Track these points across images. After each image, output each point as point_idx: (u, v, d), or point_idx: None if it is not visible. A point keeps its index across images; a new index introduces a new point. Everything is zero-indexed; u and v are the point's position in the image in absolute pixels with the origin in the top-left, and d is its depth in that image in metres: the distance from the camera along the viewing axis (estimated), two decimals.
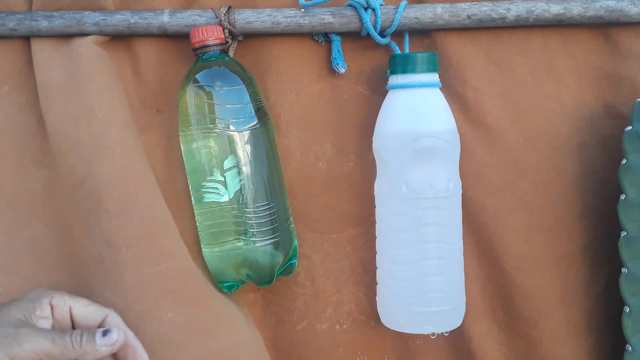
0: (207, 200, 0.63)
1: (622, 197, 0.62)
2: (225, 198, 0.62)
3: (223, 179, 0.62)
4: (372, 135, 0.65)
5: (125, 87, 0.66)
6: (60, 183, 0.64)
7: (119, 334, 0.55)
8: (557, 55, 0.68)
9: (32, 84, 0.65)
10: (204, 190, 0.63)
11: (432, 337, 0.64)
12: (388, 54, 0.67)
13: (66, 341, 0.53)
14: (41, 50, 0.65)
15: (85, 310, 0.58)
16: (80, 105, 0.63)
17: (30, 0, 0.65)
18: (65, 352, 0.53)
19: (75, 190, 0.63)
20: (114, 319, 0.58)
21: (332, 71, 0.67)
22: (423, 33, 0.68)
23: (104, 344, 0.55)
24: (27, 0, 0.65)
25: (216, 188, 0.62)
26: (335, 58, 0.66)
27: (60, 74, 0.64)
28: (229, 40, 0.65)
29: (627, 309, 0.62)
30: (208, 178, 0.62)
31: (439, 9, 0.65)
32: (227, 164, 0.62)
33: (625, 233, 0.62)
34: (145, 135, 0.66)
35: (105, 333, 0.55)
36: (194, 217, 0.66)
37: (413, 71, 0.62)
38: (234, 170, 0.62)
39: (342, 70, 0.67)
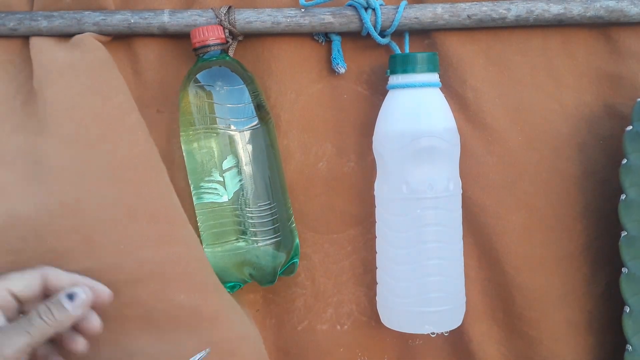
0: (206, 200, 0.63)
1: (623, 196, 0.62)
2: (225, 198, 0.62)
3: (222, 179, 0.62)
4: (372, 135, 0.65)
5: (138, 85, 0.67)
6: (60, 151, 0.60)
7: (84, 291, 0.52)
8: (557, 55, 0.68)
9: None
10: (203, 190, 0.63)
11: (433, 336, 0.64)
12: (388, 54, 0.67)
13: (39, 324, 0.50)
14: (40, 42, 0.64)
15: (22, 283, 0.53)
16: (90, 89, 0.61)
17: (32, 0, 0.65)
18: (45, 333, 0.51)
19: (90, 161, 0.60)
20: (55, 275, 0.54)
21: (332, 71, 0.67)
22: (423, 33, 0.68)
23: (76, 306, 0.52)
24: (28, 0, 0.65)
25: (215, 188, 0.62)
26: (335, 58, 0.67)
27: (62, 56, 0.63)
28: (229, 40, 0.65)
29: (627, 309, 0.62)
30: (207, 178, 0.62)
31: (439, 8, 0.65)
32: (226, 164, 0.62)
33: (626, 233, 0.62)
34: (158, 134, 0.66)
35: (71, 297, 0.52)
36: (194, 217, 0.65)
37: (413, 71, 0.62)
38: (234, 171, 0.62)
39: (342, 70, 0.67)
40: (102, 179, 0.60)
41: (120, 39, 0.66)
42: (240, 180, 0.62)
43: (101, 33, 0.65)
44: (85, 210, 0.60)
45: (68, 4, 0.64)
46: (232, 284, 0.65)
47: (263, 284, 0.64)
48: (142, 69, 0.67)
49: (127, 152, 0.61)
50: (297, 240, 0.67)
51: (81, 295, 0.52)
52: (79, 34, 0.64)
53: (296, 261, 0.66)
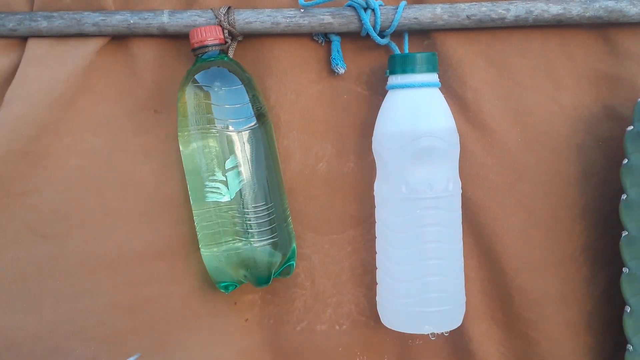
0: (208, 200, 0.63)
1: (624, 197, 0.62)
2: (227, 198, 0.62)
3: (225, 179, 0.62)
4: (372, 135, 0.65)
5: (123, 89, 0.67)
6: None
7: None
8: (556, 57, 0.68)
9: None
10: (207, 190, 0.63)
11: (432, 337, 0.64)
12: (387, 54, 0.67)
13: None
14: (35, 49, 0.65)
15: None
16: (53, 119, 0.64)
17: (32, 0, 0.65)
18: None
19: (13, 197, 0.64)
20: None
21: (332, 72, 0.68)
22: (422, 34, 0.68)
23: None
24: (28, 1, 0.65)
25: (218, 188, 0.62)
26: (334, 59, 0.67)
27: (44, 75, 0.64)
28: (229, 41, 0.65)
29: (628, 309, 0.61)
30: (210, 178, 0.62)
31: (439, 9, 0.65)
32: (229, 163, 0.62)
33: (627, 233, 0.61)
34: (144, 137, 0.67)
35: None
36: (190, 218, 0.65)
37: (413, 71, 0.62)
38: (236, 170, 0.62)
39: (342, 71, 0.67)
40: (20, 218, 0.65)
41: (118, 39, 0.66)
42: (242, 181, 0.62)
43: (101, 33, 0.65)
44: None
45: (67, 4, 0.65)
46: (225, 284, 0.65)
47: (257, 284, 0.64)
48: (141, 70, 0.67)
49: (49, 200, 0.65)
50: (294, 243, 0.67)
51: None
52: (78, 34, 0.65)
53: (293, 263, 0.66)
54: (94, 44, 0.65)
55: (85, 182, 0.65)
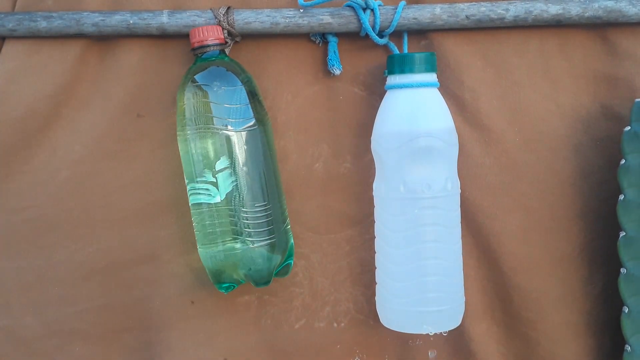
0: (198, 201, 0.63)
1: (621, 197, 0.62)
2: (217, 199, 0.62)
3: (215, 180, 0.62)
4: (368, 136, 0.65)
5: (105, 94, 0.67)
6: None
7: None
8: (554, 57, 0.68)
9: None
10: (194, 191, 0.63)
11: (431, 337, 0.64)
12: (385, 54, 0.67)
13: None
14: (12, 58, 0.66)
15: None
16: (43, 135, 0.67)
17: (14, 1, 0.66)
18: None
19: (15, 212, 0.67)
20: None
21: (328, 73, 0.67)
22: (420, 34, 0.68)
23: None
24: (11, 2, 0.66)
25: (207, 189, 0.62)
26: (331, 59, 0.66)
27: (27, 87, 0.66)
28: (228, 41, 0.65)
29: (626, 309, 0.62)
30: (199, 179, 0.62)
31: (438, 9, 0.65)
32: (219, 165, 0.62)
33: (624, 233, 0.62)
34: (139, 140, 0.67)
35: None
36: (178, 220, 0.67)
37: (411, 71, 0.62)
38: (227, 172, 0.62)
39: (338, 72, 0.67)
40: (19, 232, 0.69)
41: (116, 40, 0.66)
42: (233, 182, 0.62)
43: (100, 34, 0.65)
44: None
45: (49, 5, 0.65)
46: (226, 284, 0.65)
47: (258, 285, 0.64)
48: (122, 74, 0.67)
49: (46, 214, 0.68)
50: (292, 242, 0.67)
51: None
52: (78, 34, 0.65)
53: (290, 262, 0.66)
54: (73, 49, 0.66)
55: (73, 193, 0.67)
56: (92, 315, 0.68)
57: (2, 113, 0.66)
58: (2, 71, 0.66)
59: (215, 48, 0.63)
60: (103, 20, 0.64)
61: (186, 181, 0.64)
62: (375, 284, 0.66)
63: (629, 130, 0.62)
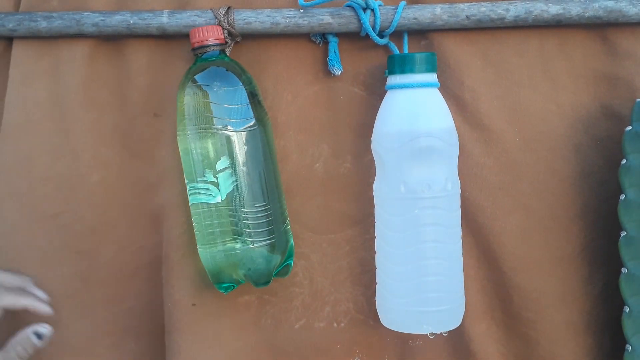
0: (199, 201, 0.63)
1: (622, 197, 0.62)
2: (218, 199, 0.62)
3: (215, 180, 0.62)
4: (368, 136, 0.65)
5: (121, 91, 0.67)
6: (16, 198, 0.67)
7: (47, 329, 0.59)
8: (554, 57, 0.68)
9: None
10: (194, 191, 0.63)
11: (431, 336, 0.64)
12: (386, 54, 0.67)
13: (13, 357, 0.57)
14: (23, 61, 0.66)
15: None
16: (63, 139, 0.67)
17: (18, 1, 0.66)
18: None
19: (47, 220, 0.67)
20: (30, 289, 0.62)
21: (329, 73, 0.67)
22: (420, 34, 0.68)
23: (44, 342, 0.59)
24: (15, 2, 0.66)
25: (208, 189, 0.62)
26: (331, 59, 0.66)
27: (42, 91, 0.67)
28: (229, 41, 0.65)
29: (627, 309, 0.62)
30: (200, 179, 0.62)
31: (438, 9, 0.65)
32: (220, 165, 0.62)
33: (625, 233, 0.61)
34: (158, 139, 0.68)
35: (39, 336, 0.58)
36: (188, 221, 0.66)
37: (412, 71, 0.62)
38: (227, 172, 0.62)
39: (338, 72, 0.67)
40: (55, 239, 0.69)
41: (116, 40, 0.66)
42: (234, 182, 0.62)
43: (100, 34, 0.65)
44: None
45: (54, 6, 0.65)
46: (226, 284, 0.65)
47: (258, 285, 0.64)
48: (134, 74, 0.67)
49: (82, 218, 0.69)
50: (292, 242, 0.67)
51: (47, 333, 0.59)
52: (78, 34, 0.65)
53: (290, 262, 0.66)
54: (81, 49, 0.66)
55: (106, 195, 0.68)
56: (141, 312, 0.69)
57: (18, 117, 0.66)
58: (15, 74, 0.66)
59: (215, 48, 0.63)
60: (103, 20, 0.64)
61: (186, 181, 0.64)
62: (375, 284, 0.66)
63: (630, 130, 0.62)
